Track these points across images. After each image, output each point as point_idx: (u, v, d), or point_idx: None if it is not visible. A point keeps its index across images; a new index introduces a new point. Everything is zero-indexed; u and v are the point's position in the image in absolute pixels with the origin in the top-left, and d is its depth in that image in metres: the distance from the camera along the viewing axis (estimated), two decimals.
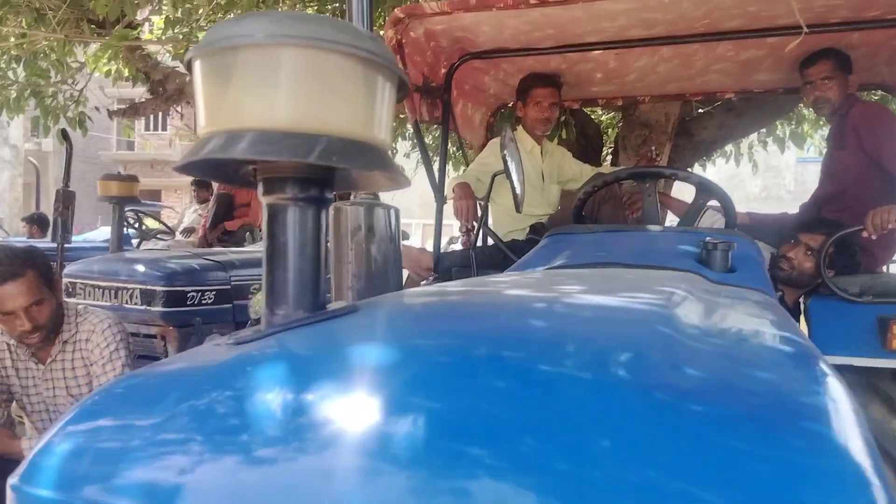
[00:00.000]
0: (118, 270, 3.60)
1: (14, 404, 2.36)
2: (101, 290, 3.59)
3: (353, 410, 0.58)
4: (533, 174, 3.30)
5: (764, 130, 5.51)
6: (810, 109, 5.56)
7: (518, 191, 2.17)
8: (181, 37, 4.41)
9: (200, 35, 4.54)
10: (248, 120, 0.73)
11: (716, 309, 1.04)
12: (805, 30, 1.85)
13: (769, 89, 3.44)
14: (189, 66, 0.77)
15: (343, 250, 1.60)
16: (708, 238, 1.71)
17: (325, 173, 0.80)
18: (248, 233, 6.11)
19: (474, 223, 2.97)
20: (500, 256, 2.93)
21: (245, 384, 0.65)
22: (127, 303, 3.51)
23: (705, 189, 2.23)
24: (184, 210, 7.82)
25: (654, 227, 2.13)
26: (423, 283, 3.10)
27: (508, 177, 2.14)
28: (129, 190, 4.20)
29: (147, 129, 24.96)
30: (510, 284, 1.16)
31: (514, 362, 0.66)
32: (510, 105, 3.74)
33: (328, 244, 1.02)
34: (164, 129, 24.91)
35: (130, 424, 0.64)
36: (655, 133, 4.13)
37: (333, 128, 0.74)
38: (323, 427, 0.57)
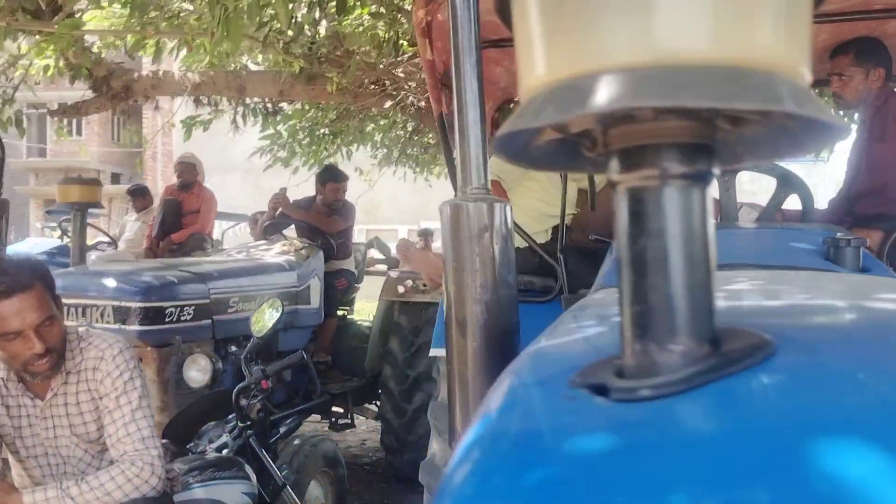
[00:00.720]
0: (86, 285, 3.18)
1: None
2: (65, 308, 3.16)
3: None
4: (552, 172, 3.09)
5: None
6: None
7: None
8: (140, 27, 3.98)
9: (164, 24, 4.12)
10: (627, 54, 0.46)
11: None
12: None
13: None
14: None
15: (466, 256, 1.34)
16: (839, 235, 1.56)
17: (708, 138, 0.54)
18: (203, 242, 5.69)
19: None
20: (535, 261, 2.70)
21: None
22: (98, 321, 3.09)
23: (787, 182, 2.07)
24: (124, 219, 7.26)
25: (747, 225, 1.96)
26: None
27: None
28: (92, 195, 3.76)
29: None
30: (805, 286, 0.91)
31: None
32: (516, 101, 3.51)
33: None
34: (79, 133, 23.62)
35: None
36: None
37: (769, 61, 0.48)
38: None
